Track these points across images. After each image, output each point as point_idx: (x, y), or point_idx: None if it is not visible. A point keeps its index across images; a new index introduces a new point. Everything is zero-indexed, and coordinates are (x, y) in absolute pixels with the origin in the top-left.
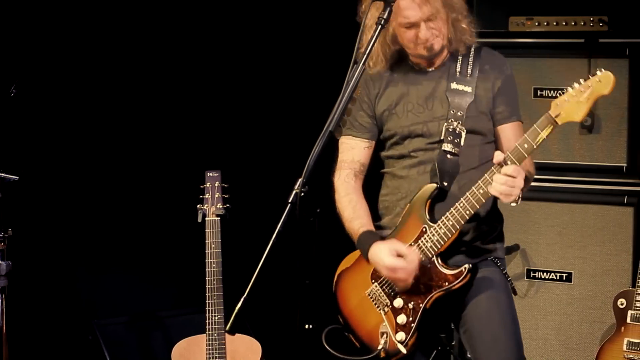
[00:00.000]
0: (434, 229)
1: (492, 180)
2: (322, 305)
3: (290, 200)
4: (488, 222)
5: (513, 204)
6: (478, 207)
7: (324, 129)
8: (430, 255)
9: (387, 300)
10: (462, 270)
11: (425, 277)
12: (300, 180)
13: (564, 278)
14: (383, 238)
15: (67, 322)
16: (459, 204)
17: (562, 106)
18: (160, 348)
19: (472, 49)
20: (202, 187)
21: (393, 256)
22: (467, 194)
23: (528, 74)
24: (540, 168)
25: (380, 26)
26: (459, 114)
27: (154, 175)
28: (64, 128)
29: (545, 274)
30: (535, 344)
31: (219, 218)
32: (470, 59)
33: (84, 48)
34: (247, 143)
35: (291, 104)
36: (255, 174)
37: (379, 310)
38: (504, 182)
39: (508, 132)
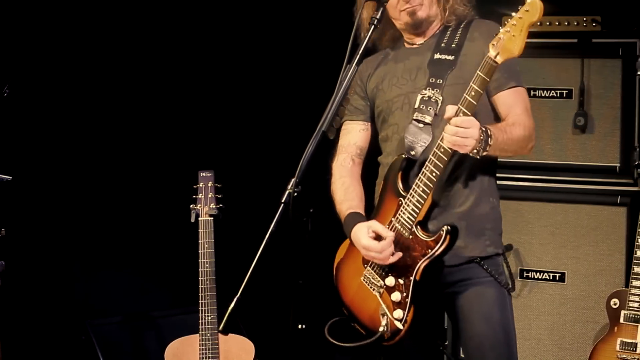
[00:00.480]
0: (407, 199)
1: None
2: (315, 305)
3: (283, 201)
4: (480, 209)
5: (472, 154)
6: (442, 166)
7: (317, 129)
8: (410, 226)
9: (381, 281)
10: (440, 234)
11: (409, 249)
12: (293, 180)
13: (557, 278)
14: (371, 217)
15: (60, 322)
16: (425, 168)
17: (498, 45)
18: (154, 348)
19: (464, 22)
20: (195, 187)
21: (370, 236)
22: (430, 155)
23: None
24: (534, 168)
25: (373, 26)
26: (438, 81)
27: (147, 175)
28: (57, 128)
29: (538, 274)
30: (528, 344)
31: (212, 218)
32: (460, 30)
33: (78, 49)
34: (241, 143)
35: (284, 104)
36: (248, 174)
37: (375, 292)
38: (454, 133)
39: (506, 99)
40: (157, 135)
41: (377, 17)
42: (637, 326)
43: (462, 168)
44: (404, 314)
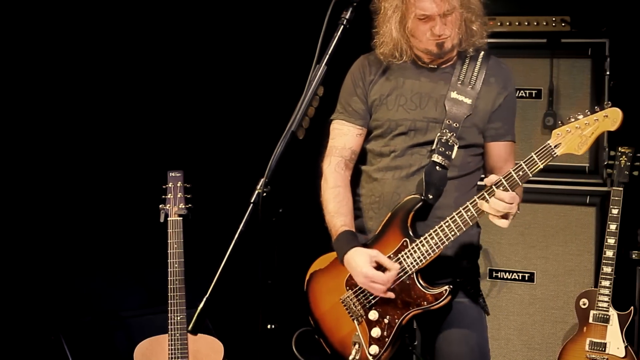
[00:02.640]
0: (417, 246)
1: (485, 200)
2: (284, 305)
3: (252, 201)
4: (468, 237)
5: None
6: (464, 229)
7: (286, 129)
8: (410, 272)
9: (362, 312)
10: (442, 292)
11: (403, 293)
12: (262, 180)
13: (527, 278)
14: (364, 244)
15: (30, 322)
16: (445, 224)
17: (564, 137)
18: (123, 348)
19: (481, 55)
20: (164, 187)
21: (372, 265)
22: (455, 214)
23: None
24: None
25: (342, 26)
26: (454, 125)
27: (116, 175)
28: (24, 128)
29: (507, 274)
30: (497, 344)
31: (181, 218)
32: (477, 67)
33: (47, 50)
34: (210, 143)
35: (253, 105)
36: (217, 174)
37: (353, 319)
38: (502, 208)
39: (500, 150)
40: (126, 135)
41: (347, 17)
42: (606, 326)
43: (461, 190)
44: (380, 351)
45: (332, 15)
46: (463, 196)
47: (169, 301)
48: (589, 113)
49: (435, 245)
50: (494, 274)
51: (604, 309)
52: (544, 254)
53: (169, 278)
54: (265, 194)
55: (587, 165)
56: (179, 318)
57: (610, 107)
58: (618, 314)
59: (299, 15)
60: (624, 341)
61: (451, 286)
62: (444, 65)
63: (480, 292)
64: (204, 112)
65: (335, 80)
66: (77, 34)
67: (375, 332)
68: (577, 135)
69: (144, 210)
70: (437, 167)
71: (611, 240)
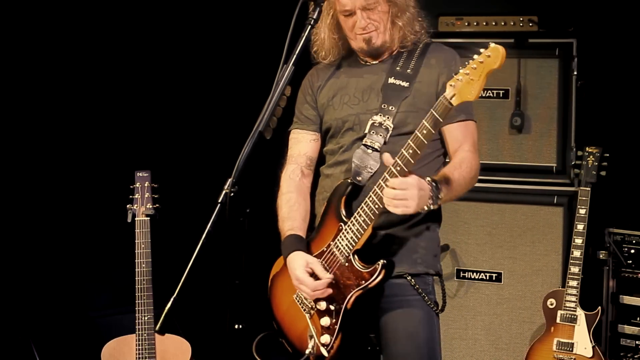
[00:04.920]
0: (348, 226)
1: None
2: (252, 305)
3: (220, 201)
4: (416, 226)
5: (426, 208)
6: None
7: (254, 129)
8: (347, 254)
9: (312, 303)
10: (376, 267)
11: (343, 276)
12: (229, 180)
13: (494, 278)
14: (309, 244)
15: None
16: (368, 198)
17: (456, 87)
18: (90, 348)
19: (421, 44)
20: (131, 187)
21: (307, 270)
22: (375, 186)
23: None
24: None
25: (310, 26)
26: (390, 108)
27: (83, 175)
28: None
29: (474, 274)
30: (465, 344)
31: (148, 218)
32: (416, 54)
33: (12, 50)
34: (177, 143)
35: (221, 104)
36: (185, 174)
37: (305, 313)
38: (392, 196)
39: (456, 133)
40: (93, 135)
41: (314, 17)
42: (574, 326)
43: None
44: (331, 339)
45: (299, 15)
46: None
47: (137, 301)
48: (473, 57)
49: (363, 222)
50: (462, 274)
51: (572, 309)
52: (511, 254)
53: (136, 278)
54: (232, 194)
55: (555, 165)
56: (146, 318)
57: (491, 45)
58: (585, 314)
59: (266, 15)
60: (591, 341)
61: (384, 261)
62: (384, 59)
63: (430, 290)
64: (171, 112)
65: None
66: (42, 33)
67: (325, 321)
68: (467, 82)
69: (111, 210)
70: (369, 150)
71: (578, 240)
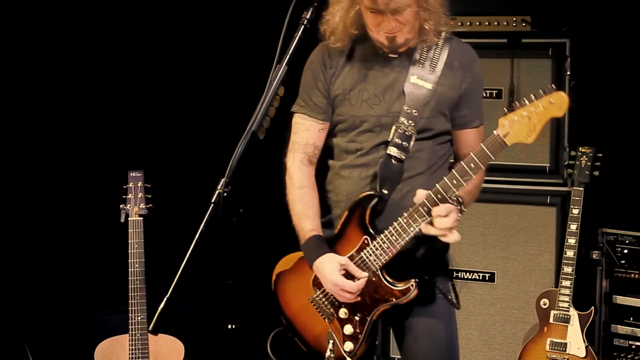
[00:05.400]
0: (377, 243)
1: (428, 221)
2: (245, 305)
3: (213, 201)
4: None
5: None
6: (421, 222)
7: (247, 129)
8: (375, 269)
9: (332, 310)
10: (409, 287)
11: (370, 289)
12: (223, 180)
13: (487, 278)
14: (329, 244)
15: None
16: (403, 219)
17: (512, 126)
18: (83, 348)
19: (442, 37)
20: (125, 187)
21: (341, 273)
22: (411, 210)
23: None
24: None
25: (303, 26)
26: (413, 112)
27: (77, 175)
28: None
29: (468, 274)
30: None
31: (141, 218)
32: (439, 49)
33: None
34: (170, 143)
35: (214, 104)
36: (178, 174)
37: (324, 317)
38: (446, 226)
39: (469, 137)
40: (86, 135)
41: (307, 17)
42: (567, 326)
43: (430, 186)
44: (355, 347)
45: (292, 15)
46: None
47: (130, 301)
48: (533, 98)
49: (395, 241)
50: (455, 274)
51: (565, 309)
52: (504, 254)
53: (129, 278)
54: (226, 194)
55: (548, 165)
56: (139, 318)
57: (554, 91)
58: (579, 314)
59: (259, 15)
60: (584, 341)
61: (417, 280)
62: (404, 51)
63: (449, 289)
64: (164, 112)
65: (296, 80)
66: (33, 33)
67: (348, 329)
68: (524, 124)
69: (104, 210)
70: (393, 160)
71: (572, 240)
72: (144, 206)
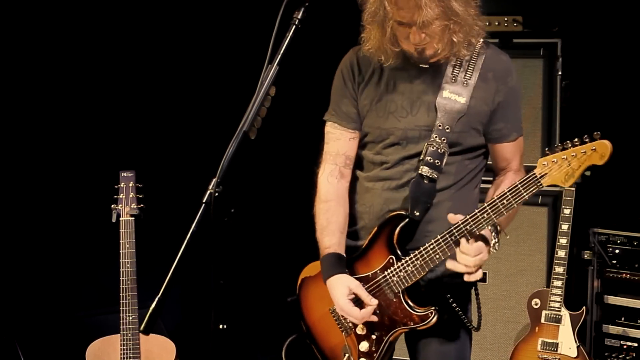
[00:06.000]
0: (403, 265)
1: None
2: (236, 305)
3: (204, 201)
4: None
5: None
6: (449, 253)
7: (238, 129)
8: (397, 291)
9: (350, 324)
10: (428, 315)
11: (390, 310)
12: (214, 180)
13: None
14: (348, 260)
15: None
16: (430, 247)
17: (550, 167)
18: (75, 348)
19: (478, 46)
20: (116, 187)
21: (350, 297)
22: (440, 239)
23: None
24: None
25: (294, 26)
26: (446, 129)
27: (68, 175)
28: None
29: None
30: None
31: (133, 218)
32: (473, 60)
33: None
34: (162, 143)
35: (205, 104)
36: (169, 174)
37: (342, 330)
38: (468, 264)
39: (506, 150)
40: (78, 135)
41: (299, 17)
42: (558, 326)
43: (456, 200)
44: None
45: (284, 15)
46: (458, 207)
47: (121, 301)
48: (577, 143)
49: (420, 266)
50: None
51: (556, 309)
52: (496, 254)
53: (121, 278)
54: (217, 194)
55: None
56: (131, 318)
57: (599, 139)
58: (570, 314)
59: (251, 15)
60: (576, 341)
61: (437, 308)
62: (436, 63)
63: (469, 308)
64: (156, 112)
65: (288, 80)
66: (23, 33)
67: (364, 346)
68: (564, 167)
69: (96, 210)
70: (425, 180)
71: (563, 240)
72: (135, 206)
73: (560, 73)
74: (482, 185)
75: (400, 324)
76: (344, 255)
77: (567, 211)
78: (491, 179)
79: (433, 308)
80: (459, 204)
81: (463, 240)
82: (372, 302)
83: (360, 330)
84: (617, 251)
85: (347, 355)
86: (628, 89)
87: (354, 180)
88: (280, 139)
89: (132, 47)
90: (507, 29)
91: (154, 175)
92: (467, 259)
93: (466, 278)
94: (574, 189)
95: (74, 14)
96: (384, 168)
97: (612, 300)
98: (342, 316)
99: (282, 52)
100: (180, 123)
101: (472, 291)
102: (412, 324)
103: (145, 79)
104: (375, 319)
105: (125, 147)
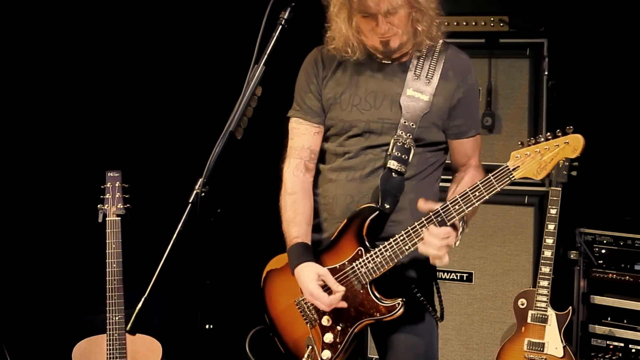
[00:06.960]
0: (371, 256)
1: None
2: (223, 305)
3: (190, 201)
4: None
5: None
6: (418, 243)
7: (225, 129)
8: (364, 282)
9: (315, 316)
10: (395, 305)
11: (356, 301)
12: (200, 180)
13: (465, 278)
14: (320, 249)
15: None
16: (400, 238)
17: (523, 160)
18: (61, 348)
19: (438, 46)
20: (102, 187)
21: (319, 283)
22: (410, 228)
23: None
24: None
25: (281, 26)
26: (411, 125)
27: (54, 175)
28: None
29: (445, 274)
30: None
31: (119, 218)
32: (434, 59)
33: None
34: (148, 143)
35: (191, 104)
36: (156, 174)
37: (306, 322)
38: (437, 248)
39: (463, 147)
40: (64, 135)
41: (285, 17)
42: (545, 326)
43: (418, 191)
44: (332, 356)
45: (270, 15)
46: (420, 197)
47: (107, 301)
48: (550, 137)
49: (389, 257)
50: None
51: (542, 309)
52: (482, 254)
53: (107, 278)
54: (203, 194)
55: None
56: (117, 318)
57: (572, 132)
58: (556, 314)
59: (237, 15)
60: (562, 341)
61: (404, 299)
62: (399, 60)
63: (433, 299)
64: (142, 111)
65: (274, 80)
66: (12, 33)
67: (328, 337)
68: (536, 160)
69: (82, 210)
70: (393, 174)
71: (549, 241)
72: (121, 206)
73: (546, 73)
74: (442, 184)
75: (367, 315)
76: (311, 246)
77: (553, 211)
78: (450, 177)
79: (400, 299)
80: (422, 195)
81: (432, 225)
82: (339, 289)
83: (325, 322)
84: (603, 251)
85: (310, 347)
86: (614, 89)
87: (316, 174)
88: (266, 138)
89: (119, 47)
90: (493, 29)
91: (141, 175)
92: (435, 241)
93: (432, 261)
94: (560, 189)
95: (58, 14)
96: (346, 158)
97: (599, 300)
98: (307, 308)
99: (268, 52)
100: (166, 123)
101: (433, 284)
102: (378, 315)
103: (132, 79)
104: (344, 304)
105: (111, 147)
